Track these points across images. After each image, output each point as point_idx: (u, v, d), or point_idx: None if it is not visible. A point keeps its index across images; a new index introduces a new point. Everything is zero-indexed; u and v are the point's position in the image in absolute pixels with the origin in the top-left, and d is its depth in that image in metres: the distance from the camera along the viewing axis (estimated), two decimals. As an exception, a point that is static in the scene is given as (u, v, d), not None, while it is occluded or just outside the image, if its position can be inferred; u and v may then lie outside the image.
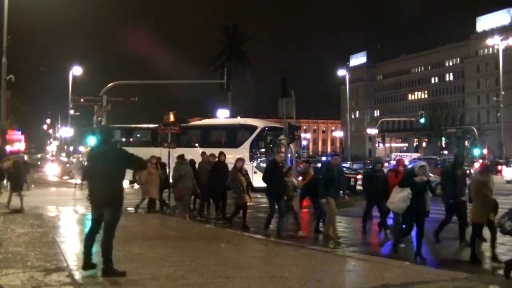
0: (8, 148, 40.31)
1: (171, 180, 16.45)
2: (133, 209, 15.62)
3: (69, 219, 14.20)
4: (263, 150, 27.33)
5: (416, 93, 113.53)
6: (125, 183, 15.30)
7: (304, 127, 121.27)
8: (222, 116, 54.40)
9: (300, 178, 13.30)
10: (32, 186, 24.17)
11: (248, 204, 13.24)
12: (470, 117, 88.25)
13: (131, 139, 32.80)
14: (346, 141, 73.51)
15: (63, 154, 71.29)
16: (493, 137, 66.73)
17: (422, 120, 59.61)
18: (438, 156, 45.92)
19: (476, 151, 56.88)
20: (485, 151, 58.15)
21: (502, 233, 7.81)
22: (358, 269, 7.98)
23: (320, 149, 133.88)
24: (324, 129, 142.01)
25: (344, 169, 25.80)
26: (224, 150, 22.92)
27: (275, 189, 11.68)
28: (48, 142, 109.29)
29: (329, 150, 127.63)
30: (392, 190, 9.80)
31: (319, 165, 18.43)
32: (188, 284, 6.49)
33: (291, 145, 26.75)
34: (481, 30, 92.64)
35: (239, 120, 37.07)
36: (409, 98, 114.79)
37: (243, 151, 25.39)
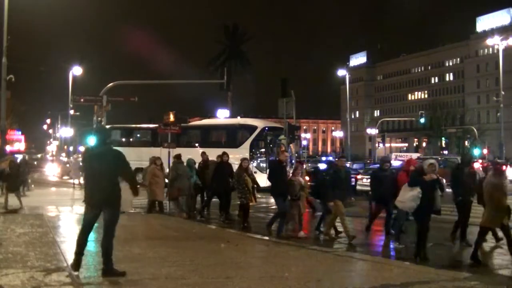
0: (8, 148, 40.33)
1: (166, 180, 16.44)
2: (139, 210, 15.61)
3: (69, 219, 14.20)
4: (263, 150, 27.31)
5: (416, 93, 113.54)
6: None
7: (304, 127, 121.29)
8: (222, 116, 54.42)
9: (307, 178, 13.28)
10: (32, 186, 24.19)
11: (251, 204, 13.18)
12: (470, 117, 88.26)
13: (131, 139, 32.79)
14: (346, 141, 73.47)
15: (63, 154, 71.27)
16: (493, 137, 66.73)
17: (422, 120, 59.57)
18: (440, 156, 45.87)
19: (476, 151, 56.86)
20: (485, 151, 58.14)
21: None
22: (358, 269, 7.98)
23: (320, 149, 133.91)
24: (324, 129, 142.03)
25: None
26: (224, 150, 22.97)
27: (280, 188, 11.67)
28: (48, 142, 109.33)
29: (329, 150, 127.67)
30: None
31: (319, 165, 18.35)
32: (188, 284, 6.49)
33: (291, 145, 26.78)
34: (481, 30, 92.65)
35: (239, 120, 37.06)
36: (409, 98, 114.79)
37: (243, 151, 25.39)
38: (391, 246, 10.85)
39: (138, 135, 34.03)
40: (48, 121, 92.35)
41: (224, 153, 15.12)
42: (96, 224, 7.11)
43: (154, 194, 15.25)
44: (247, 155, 23.69)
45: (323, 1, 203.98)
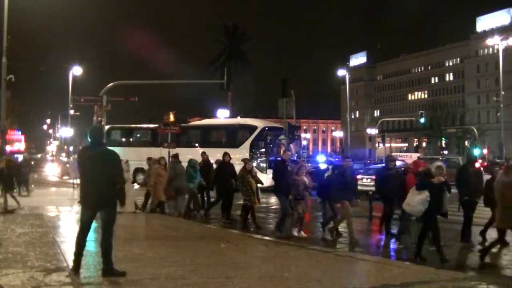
0: (8, 148, 40.34)
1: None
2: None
3: (69, 219, 14.19)
4: (263, 150, 27.31)
5: (416, 93, 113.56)
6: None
7: (304, 127, 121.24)
8: (222, 116, 54.43)
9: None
10: (32, 186, 24.18)
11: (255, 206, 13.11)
12: (470, 117, 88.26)
13: (131, 139, 32.80)
14: (346, 141, 73.49)
15: (63, 154, 71.29)
16: (493, 137, 66.73)
17: (422, 120, 59.55)
18: (440, 156, 45.85)
19: (476, 151, 56.89)
20: (485, 151, 58.15)
21: None
22: (358, 269, 7.98)
23: (320, 149, 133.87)
24: (324, 129, 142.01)
25: None
26: (224, 150, 22.97)
27: (284, 187, 11.64)
28: (48, 142, 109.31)
29: (329, 150, 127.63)
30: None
31: (321, 165, 18.27)
32: (188, 284, 6.49)
33: (291, 145, 26.79)
34: (481, 30, 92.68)
35: (239, 120, 37.07)
36: (409, 98, 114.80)
37: (243, 151, 25.39)
38: (392, 246, 10.85)
39: (138, 135, 34.03)
40: (48, 121, 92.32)
41: (226, 154, 15.07)
42: (95, 224, 7.10)
43: (158, 194, 15.24)
44: (247, 155, 23.72)
45: (323, 1, 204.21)
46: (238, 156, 19.36)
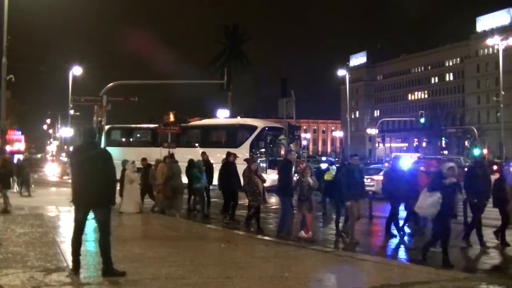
0: (8, 148, 40.33)
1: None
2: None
3: (69, 219, 14.12)
4: (263, 150, 27.31)
5: (416, 93, 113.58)
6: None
7: (304, 127, 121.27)
8: (222, 116, 54.39)
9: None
10: (33, 186, 24.16)
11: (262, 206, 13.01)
12: (470, 117, 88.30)
13: (131, 139, 32.81)
14: (346, 141, 73.50)
15: (63, 154, 71.25)
16: (493, 137, 66.79)
17: (422, 120, 59.57)
18: (442, 156, 45.87)
19: (476, 151, 56.90)
20: (485, 151, 58.16)
21: None
22: (358, 269, 7.97)
23: (320, 149, 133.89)
24: (324, 129, 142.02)
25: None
26: (224, 150, 22.90)
27: (288, 188, 11.61)
28: (48, 142, 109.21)
29: (329, 150, 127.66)
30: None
31: (321, 165, 18.25)
32: (188, 284, 6.49)
33: (291, 145, 26.77)
34: (481, 30, 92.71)
35: (239, 120, 37.06)
36: (409, 98, 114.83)
37: (243, 151, 25.37)
38: (392, 246, 10.85)
39: (138, 135, 34.05)
40: (48, 121, 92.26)
41: (231, 153, 15.03)
42: (95, 224, 7.11)
43: (163, 193, 15.21)
44: (247, 155, 23.70)
45: (323, 1, 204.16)
46: (238, 156, 19.34)
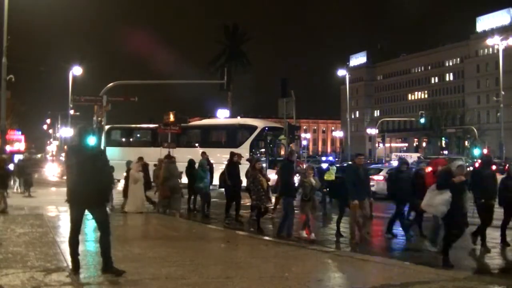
0: (8, 148, 40.32)
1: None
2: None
3: (69, 219, 14.19)
4: (263, 150, 27.31)
5: (416, 93, 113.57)
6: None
7: (304, 127, 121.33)
8: (222, 116, 54.38)
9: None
10: (32, 186, 24.14)
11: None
12: (470, 117, 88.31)
13: (131, 139, 32.80)
14: (346, 141, 73.52)
15: (63, 154, 71.24)
16: (493, 137, 66.79)
17: (422, 120, 59.59)
18: (444, 156, 45.87)
19: (476, 151, 56.92)
20: (485, 151, 58.19)
21: None
22: (358, 269, 7.97)
23: (320, 149, 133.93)
24: (324, 129, 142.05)
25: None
26: (224, 150, 22.90)
27: (290, 188, 11.57)
28: (48, 142, 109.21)
29: (329, 150, 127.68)
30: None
31: (323, 165, 18.25)
32: (188, 284, 6.49)
33: (291, 145, 26.77)
34: (481, 30, 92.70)
35: (239, 120, 37.05)
36: (409, 98, 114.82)
37: (243, 151, 25.30)
38: (392, 246, 10.84)
39: (138, 135, 34.05)
40: (48, 121, 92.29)
41: (234, 154, 14.99)
42: (95, 224, 7.11)
43: (166, 192, 15.21)
44: (247, 155, 23.68)
45: (323, 1, 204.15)
46: (242, 156, 19.34)
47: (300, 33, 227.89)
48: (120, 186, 18.33)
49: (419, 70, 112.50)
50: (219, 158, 20.85)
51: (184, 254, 8.64)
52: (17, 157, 33.92)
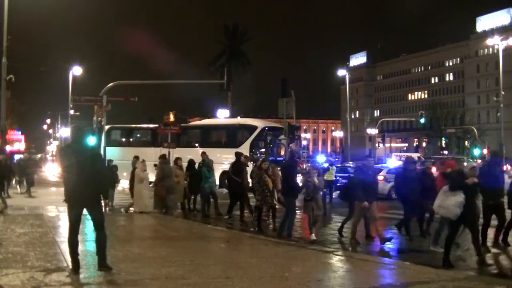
0: (8, 148, 40.32)
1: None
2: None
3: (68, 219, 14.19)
4: (263, 150, 27.30)
5: (416, 93, 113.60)
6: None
7: (304, 127, 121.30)
8: (222, 116, 54.37)
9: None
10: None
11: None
12: (470, 117, 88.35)
13: (131, 139, 32.79)
14: (346, 141, 73.51)
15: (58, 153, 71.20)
16: (493, 137, 66.76)
17: (422, 120, 59.59)
18: (447, 156, 45.89)
19: (476, 151, 56.96)
20: (485, 151, 58.24)
21: None
22: (358, 269, 7.97)
23: (320, 149, 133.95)
24: (324, 129, 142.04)
25: (349, 169, 25.71)
26: (224, 150, 22.86)
27: (294, 188, 11.55)
28: (48, 142, 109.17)
29: (329, 150, 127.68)
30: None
31: (325, 165, 18.23)
32: (188, 284, 6.49)
33: (291, 145, 26.77)
34: (481, 30, 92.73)
35: (239, 120, 37.03)
36: (409, 98, 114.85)
37: (243, 151, 25.26)
38: (393, 246, 10.82)
39: (138, 135, 34.03)
40: (48, 121, 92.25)
41: (241, 154, 14.94)
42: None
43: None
44: (247, 155, 23.66)
45: (323, 1, 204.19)
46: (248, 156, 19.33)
47: (300, 33, 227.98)
48: (121, 186, 18.37)
49: (419, 70, 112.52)
50: (219, 158, 20.86)
51: (184, 254, 8.64)
52: (16, 157, 33.90)
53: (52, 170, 49.82)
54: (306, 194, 11.31)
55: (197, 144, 27.92)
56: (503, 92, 50.53)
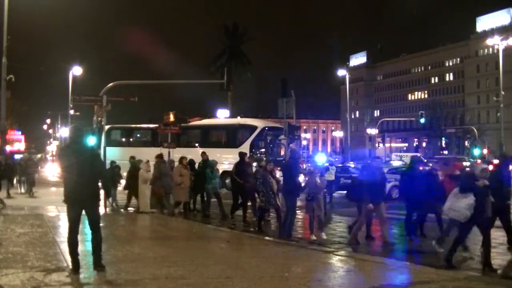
0: (8, 148, 40.33)
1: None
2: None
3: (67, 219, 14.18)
4: (263, 150, 27.28)
5: (416, 93, 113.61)
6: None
7: (304, 127, 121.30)
8: (222, 116, 54.39)
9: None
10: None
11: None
12: (470, 117, 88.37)
13: (131, 139, 32.79)
14: (346, 141, 73.52)
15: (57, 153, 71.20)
16: (493, 137, 66.83)
17: (422, 120, 59.60)
18: (446, 156, 45.90)
19: (476, 151, 56.95)
20: (485, 151, 58.26)
21: None
22: (358, 269, 7.97)
23: (320, 149, 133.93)
24: (324, 129, 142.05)
25: (350, 169, 25.70)
26: (224, 150, 22.82)
27: (295, 187, 11.50)
28: (48, 142, 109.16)
29: (329, 150, 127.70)
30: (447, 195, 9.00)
31: (325, 164, 18.20)
32: (188, 284, 6.49)
33: (291, 145, 26.74)
34: (481, 30, 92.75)
35: (239, 120, 37.01)
36: (409, 98, 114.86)
37: (243, 151, 25.31)
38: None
39: (138, 135, 34.03)
40: (48, 121, 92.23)
41: (244, 153, 14.87)
42: (102, 224, 7.16)
43: (178, 194, 15.20)
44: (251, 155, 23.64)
45: (324, 1, 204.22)
46: (238, 156, 19.33)
47: (300, 33, 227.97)
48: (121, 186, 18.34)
49: (419, 70, 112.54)
50: (219, 158, 20.82)
51: (184, 254, 8.64)
52: (16, 157, 33.86)
53: (52, 170, 49.81)
54: (308, 194, 11.29)
55: (197, 144, 27.91)
56: (503, 92, 50.56)
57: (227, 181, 17.47)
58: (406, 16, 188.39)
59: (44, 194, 23.47)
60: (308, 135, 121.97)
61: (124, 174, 17.85)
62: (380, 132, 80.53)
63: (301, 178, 13.72)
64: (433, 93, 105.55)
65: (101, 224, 7.38)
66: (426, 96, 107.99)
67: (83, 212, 6.95)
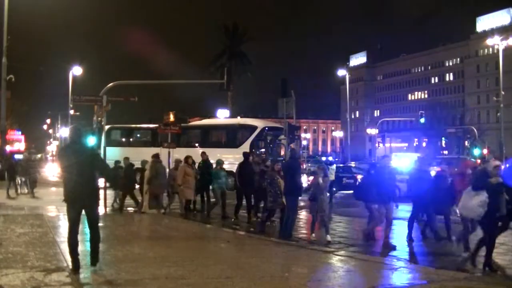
0: (8, 148, 40.34)
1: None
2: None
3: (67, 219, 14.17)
4: (263, 150, 27.28)
5: (416, 93, 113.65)
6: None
7: (304, 127, 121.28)
8: (222, 116, 54.36)
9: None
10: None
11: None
12: (470, 117, 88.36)
13: (131, 139, 32.79)
14: (346, 141, 73.51)
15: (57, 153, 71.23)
16: (493, 137, 66.84)
17: (422, 120, 59.57)
18: (446, 156, 45.90)
19: (476, 151, 56.95)
20: (485, 151, 58.25)
21: None
22: (358, 269, 7.97)
23: (320, 149, 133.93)
24: (324, 129, 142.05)
25: (352, 169, 25.68)
26: (224, 150, 22.79)
27: (297, 187, 11.50)
28: (48, 142, 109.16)
29: (329, 150, 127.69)
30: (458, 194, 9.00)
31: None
32: (188, 284, 6.49)
33: (291, 145, 26.74)
34: (481, 30, 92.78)
35: (239, 120, 37.01)
36: (409, 98, 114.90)
37: (245, 151, 25.32)
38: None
39: (138, 135, 34.02)
40: (48, 121, 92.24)
41: (249, 153, 14.81)
42: (101, 224, 7.17)
43: (184, 193, 15.16)
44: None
45: (323, 1, 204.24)
46: (238, 156, 19.32)
47: (301, 33, 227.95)
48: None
49: (419, 70, 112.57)
50: (219, 158, 20.81)
51: (184, 254, 8.64)
52: (17, 157, 33.86)
53: (52, 170, 49.82)
54: (310, 194, 11.28)
55: (197, 144, 27.90)
56: (503, 92, 50.54)
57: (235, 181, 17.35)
58: (406, 16, 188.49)
59: (44, 194, 23.42)
60: (308, 135, 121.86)
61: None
62: (380, 132, 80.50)
63: (304, 179, 13.66)
64: (433, 93, 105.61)
65: (100, 224, 7.41)
66: (426, 96, 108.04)
67: (83, 212, 6.96)
